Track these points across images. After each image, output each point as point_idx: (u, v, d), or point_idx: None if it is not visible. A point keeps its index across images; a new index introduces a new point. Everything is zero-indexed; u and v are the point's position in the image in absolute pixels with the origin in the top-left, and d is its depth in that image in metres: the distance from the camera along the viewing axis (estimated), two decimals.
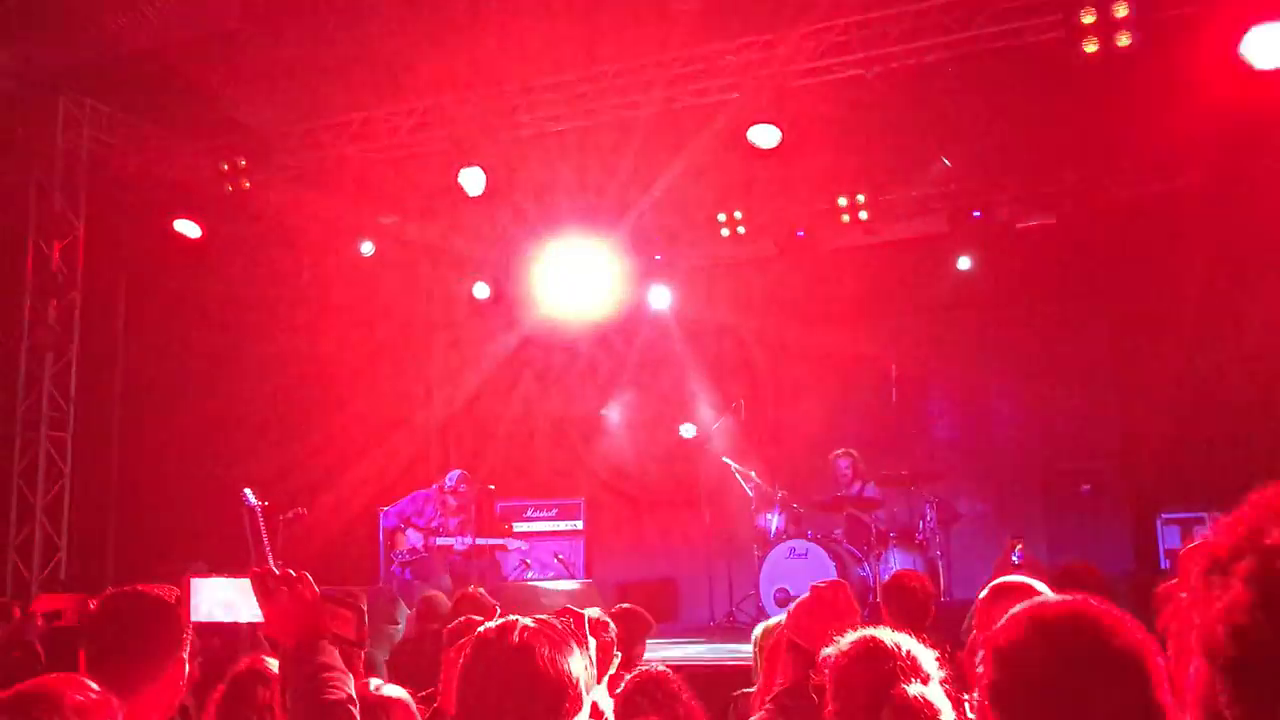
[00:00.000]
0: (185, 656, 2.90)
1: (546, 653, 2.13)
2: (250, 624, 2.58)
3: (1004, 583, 3.58)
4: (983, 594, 3.66)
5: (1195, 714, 1.16)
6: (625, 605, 5.68)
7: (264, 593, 2.45)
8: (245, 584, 2.48)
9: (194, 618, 2.62)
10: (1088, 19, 7.91)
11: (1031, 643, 1.76)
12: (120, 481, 10.66)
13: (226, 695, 3.39)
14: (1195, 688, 1.16)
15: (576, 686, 2.17)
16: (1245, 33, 7.59)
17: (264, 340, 11.47)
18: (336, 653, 2.38)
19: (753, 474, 11.00)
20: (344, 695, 2.31)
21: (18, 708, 1.85)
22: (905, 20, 8.70)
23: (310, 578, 2.47)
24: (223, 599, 2.55)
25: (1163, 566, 10.16)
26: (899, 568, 9.94)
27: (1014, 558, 5.84)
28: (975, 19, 8.53)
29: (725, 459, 11.21)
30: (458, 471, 10.96)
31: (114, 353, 10.67)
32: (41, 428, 10.19)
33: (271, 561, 9.77)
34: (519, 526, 11.98)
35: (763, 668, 4.23)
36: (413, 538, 10.49)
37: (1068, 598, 1.87)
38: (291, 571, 2.46)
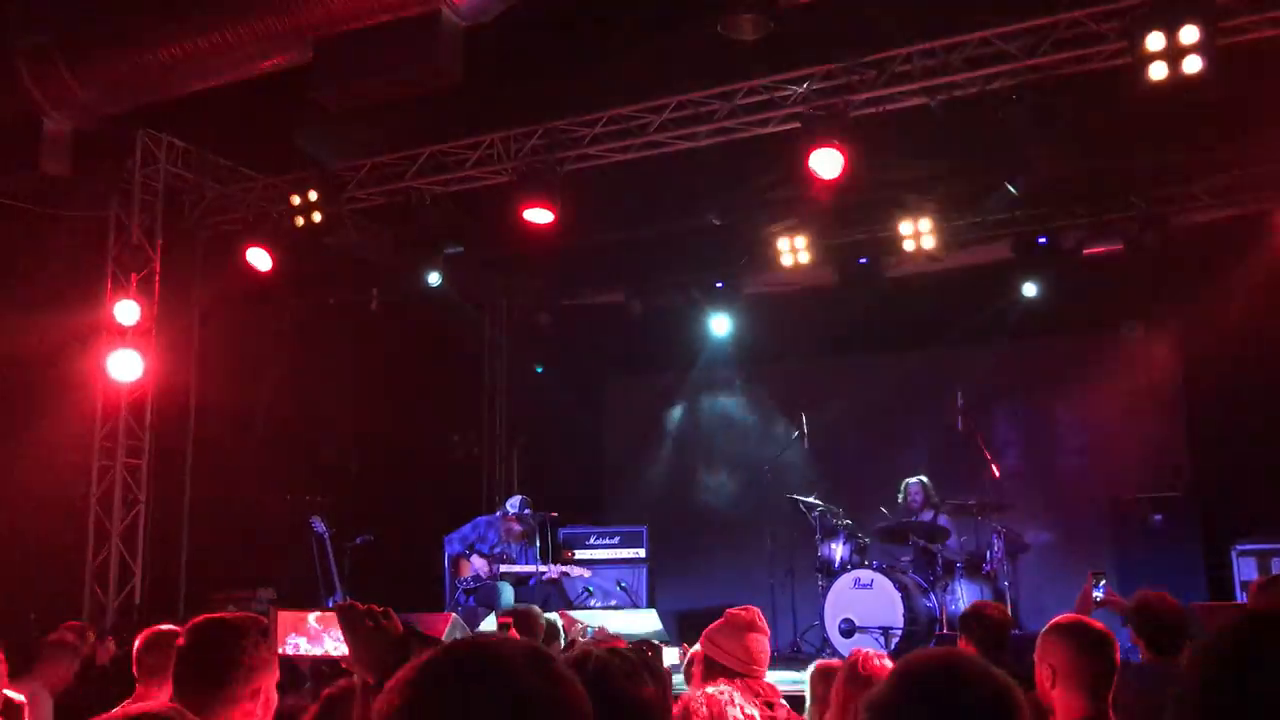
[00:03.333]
0: (269, 684, 2.97)
1: (621, 681, 2.16)
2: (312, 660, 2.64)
3: (1058, 621, 3.59)
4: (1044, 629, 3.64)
5: None
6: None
7: (350, 626, 2.47)
8: (329, 616, 2.52)
9: (281, 650, 2.68)
10: (1154, 44, 7.81)
11: (898, 698, 1.80)
12: (193, 509, 10.87)
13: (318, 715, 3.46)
14: None
15: (649, 714, 2.19)
16: None
17: (334, 371, 11.66)
18: None
19: (817, 503, 10.95)
20: None
21: None
22: (968, 49, 8.68)
23: (394, 613, 2.51)
24: (306, 631, 2.61)
25: (1239, 599, 9.95)
26: (966, 598, 9.85)
27: (1097, 593, 5.75)
28: (1040, 46, 8.48)
29: (788, 489, 11.18)
30: (520, 497, 11.01)
31: (188, 382, 10.90)
32: (118, 455, 10.42)
33: (339, 588, 9.91)
34: (581, 554, 12.01)
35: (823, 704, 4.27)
36: (476, 564, 10.56)
37: (937, 650, 1.92)
38: (377, 606, 2.49)
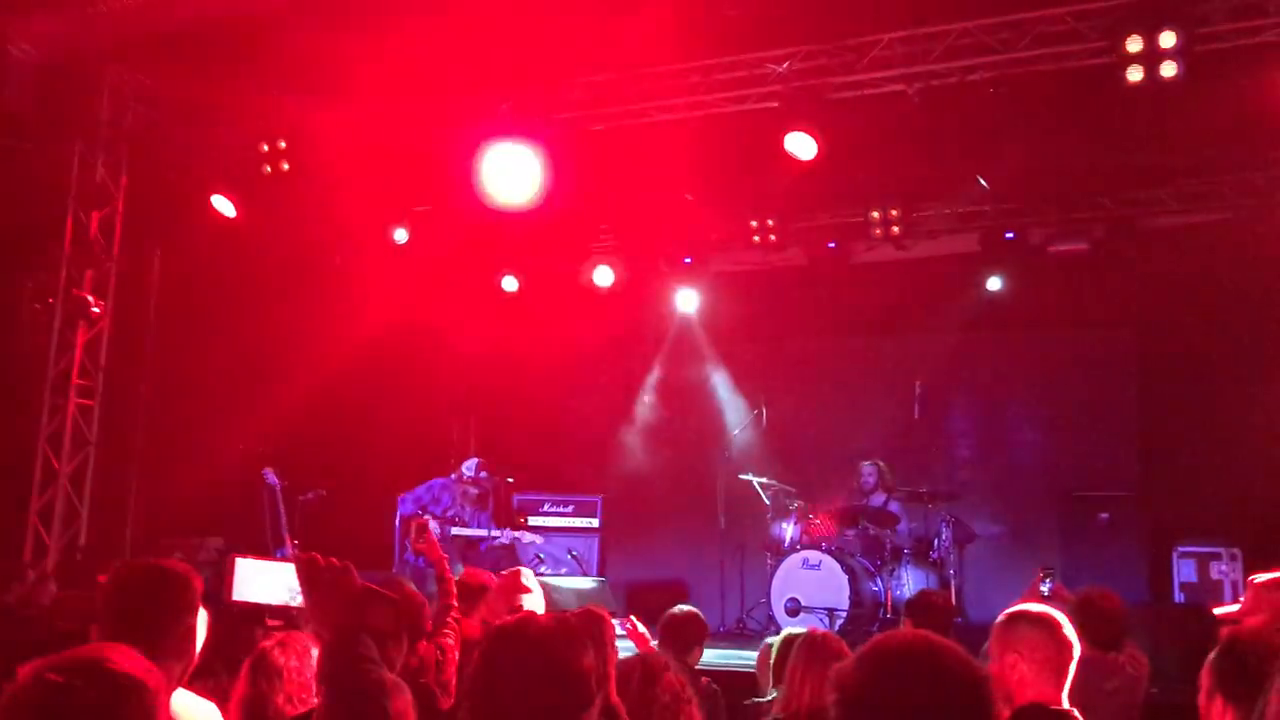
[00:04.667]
0: (195, 624, 2.95)
1: (563, 648, 2.17)
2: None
3: (1025, 610, 3.61)
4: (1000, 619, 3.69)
5: None
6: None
7: (308, 579, 2.45)
8: (287, 568, 2.50)
9: (233, 596, 2.66)
10: (1133, 47, 7.86)
11: (872, 678, 1.80)
12: (144, 453, 10.76)
13: (252, 668, 3.45)
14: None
15: (590, 682, 2.20)
16: None
17: (294, 322, 11.54)
18: (374, 646, 2.40)
19: (771, 482, 11.02)
20: (379, 692, 2.33)
21: (69, 675, 1.88)
22: (949, 38, 8.69)
23: (353, 568, 2.48)
24: (262, 581, 2.59)
25: (1177, 599, 10.14)
26: (912, 584, 9.97)
27: (1043, 588, 5.83)
28: (1020, 41, 8.51)
29: (743, 468, 11.24)
30: (476, 460, 10.96)
31: (145, 325, 10.76)
32: (70, 395, 10.28)
33: (288, 541, 9.86)
34: (535, 521, 12.01)
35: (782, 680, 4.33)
36: (429, 526, 10.49)
37: (907, 632, 1.91)
38: (336, 560, 2.47)
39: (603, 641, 3.81)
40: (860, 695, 1.79)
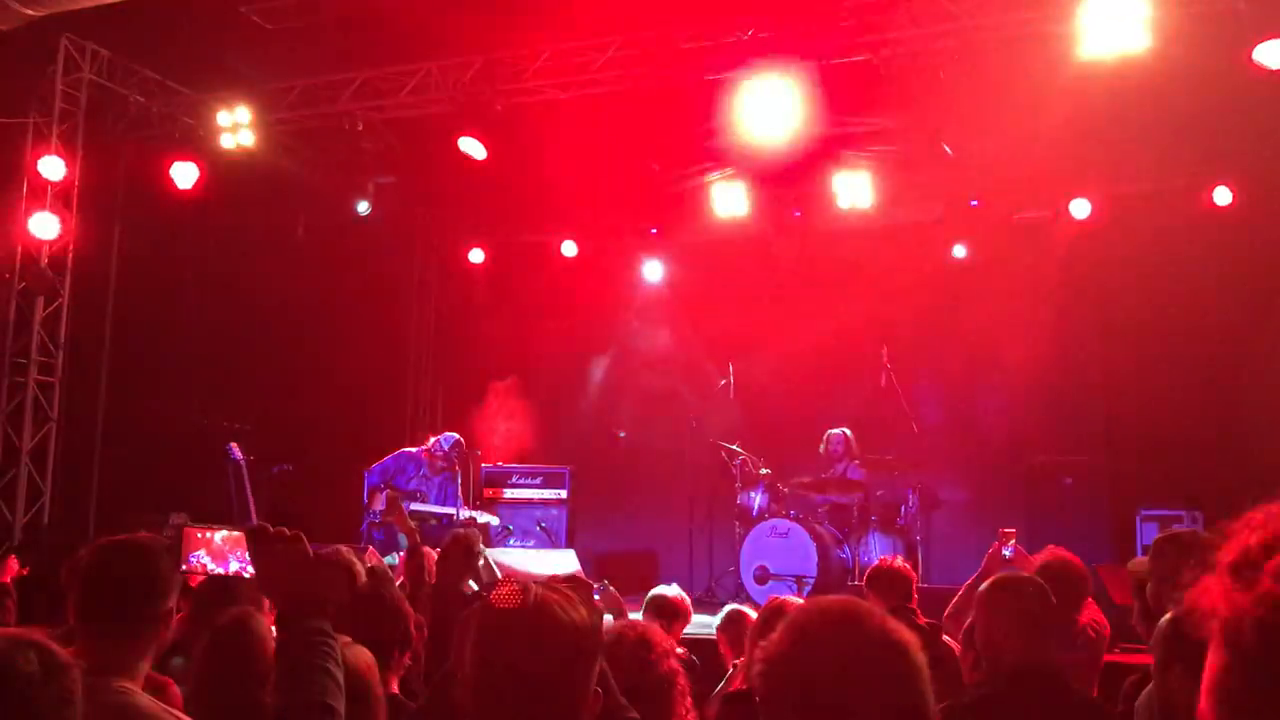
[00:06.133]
0: (172, 606, 2.93)
1: (563, 612, 2.15)
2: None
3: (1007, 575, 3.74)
4: (984, 587, 3.78)
5: (1210, 699, 1.20)
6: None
7: (258, 549, 2.44)
8: (238, 537, 2.49)
9: (183, 566, 2.63)
10: (1095, 18, 7.88)
11: (792, 648, 1.77)
12: (106, 430, 10.64)
13: (211, 645, 3.42)
14: (1212, 673, 1.19)
15: (592, 642, 2.20)
16: (1257, 42, 7.59)
17: (256, 294, 11.42)
18: (328, 617, 2.39)
19: (739, 450, 11.03)
20: (331, 662, 2.32)
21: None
22: (914, 6, 8.68)
23: (305, 538, 2.47)
24: (214, 550, 2.57)
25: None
26: (879, 551, 10.04)
27: (1005, 552, 5.88)
28: (983, 8, 8.51)
29: (711, 436, 11.25)
30: (453, 436, 10.77)
31: (105, 300, 10.62)
32: (30, 372, 10.15)
33: (254, 517, 9.78)
34: (504, 493, 11.98)
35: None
36: (386, 500, 10.30)
37: (832, 599, 1.88)
38: (287, 530, 2.46)
39: (593, 605, 3.81)
40: (781, 666, 1.76)
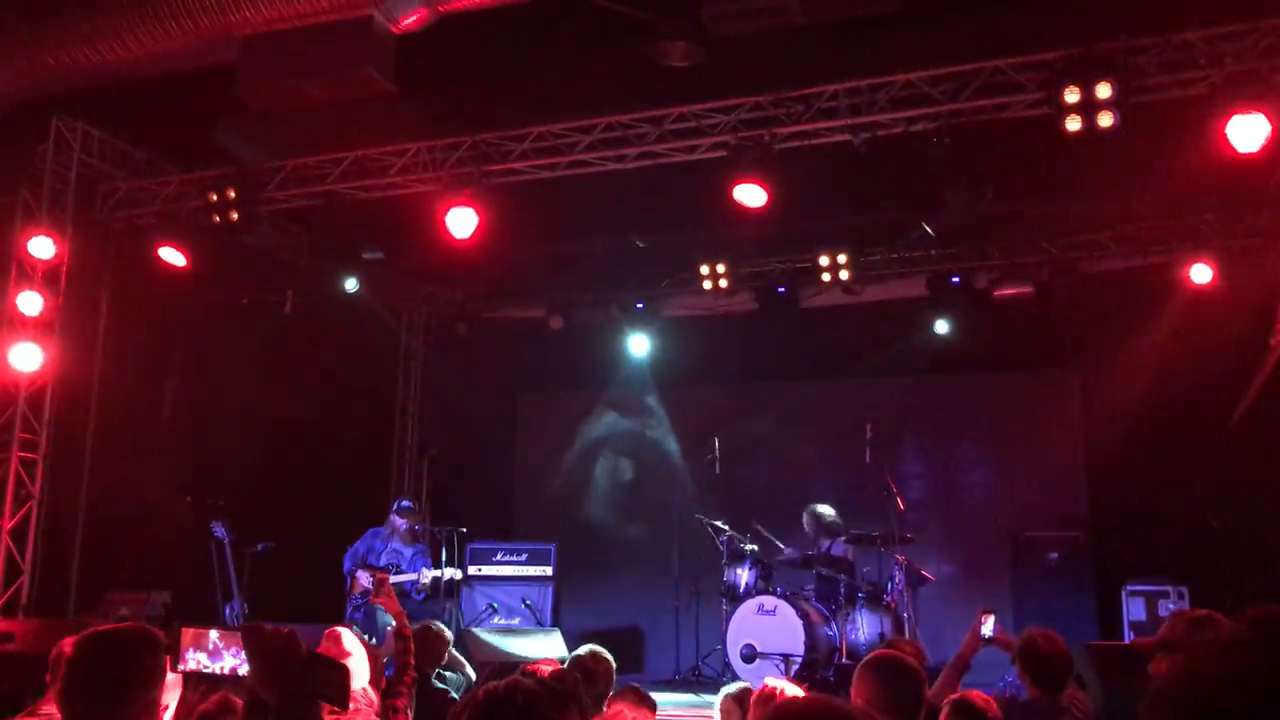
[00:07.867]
0: (160, 695, 2.91)
1: (550, 713, 2.16)
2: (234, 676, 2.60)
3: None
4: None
5: None
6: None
7: (253, 647, 2.45)
8: (233, 634, 2.51)
9: (181, 667, 2.64)
10: (1071, 97, 8.08)
11: None
12: (89, 508, 10.55)
13: None
14: None
15: None
16: (1226, 119, 7.78)
17: (243, 373, 11.44)
18: (320, 712, 2.40)
19: (724, 526, 11.01)
20: None
21: None
22: (893, 89, 8.87)
23: (297, 635, 2.48)
24: (209, 648, 2.57)
25: (1127, 637, 10.25)
26: (867, 628, 9.99)
27: (985, 630, 5.87)
28: (962, 91, 8.70)
29: (699, 514, 11.23)
30: (403, 501, 10.74)
31: (90, 377, 10.60)
32: (13, 449, 10.10)
33: (237, 596, 9.70)
34: (488, 570, 11.91)
35: None
36: (363, 579, 10.15)
37: (810, 698, 1.95)
38: (283, 629, 2.47)
39: (583, 702, 3.82)
40: None
